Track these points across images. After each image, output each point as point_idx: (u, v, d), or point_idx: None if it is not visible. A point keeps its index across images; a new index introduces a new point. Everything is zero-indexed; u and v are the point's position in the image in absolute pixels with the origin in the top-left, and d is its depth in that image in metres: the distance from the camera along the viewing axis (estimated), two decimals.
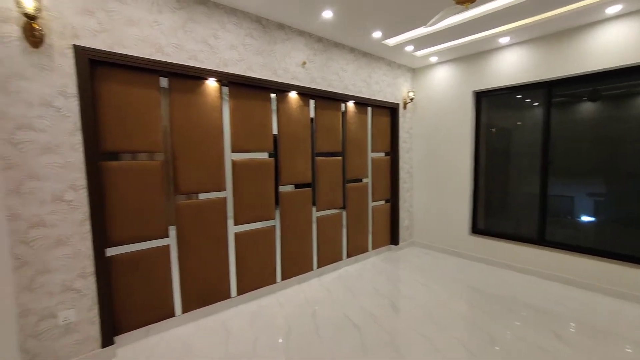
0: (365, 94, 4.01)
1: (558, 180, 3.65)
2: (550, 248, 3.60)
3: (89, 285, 2.18)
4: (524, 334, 2.50)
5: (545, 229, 3.69)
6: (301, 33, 3.26)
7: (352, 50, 3.81)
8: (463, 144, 4.25)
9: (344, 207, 4.06)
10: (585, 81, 3.40)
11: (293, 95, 3.33)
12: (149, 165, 2.46)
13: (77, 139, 2.09)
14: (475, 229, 4.29)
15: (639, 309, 2.89)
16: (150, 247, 2.50)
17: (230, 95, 2.89)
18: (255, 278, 3.15)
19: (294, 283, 3.46)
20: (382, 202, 4.57)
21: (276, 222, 3.32)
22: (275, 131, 3.24)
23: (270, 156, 3.27)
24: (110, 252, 2.33)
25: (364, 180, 4.29)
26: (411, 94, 4.56)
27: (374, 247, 4.44)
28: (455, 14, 2.22)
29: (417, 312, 2.85)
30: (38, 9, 1.88)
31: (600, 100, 3.47)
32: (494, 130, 4.22)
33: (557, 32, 3.38)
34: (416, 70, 4.72)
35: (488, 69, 3.96)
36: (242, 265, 3.05)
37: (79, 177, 2.11)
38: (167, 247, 2.59)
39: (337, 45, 3.63)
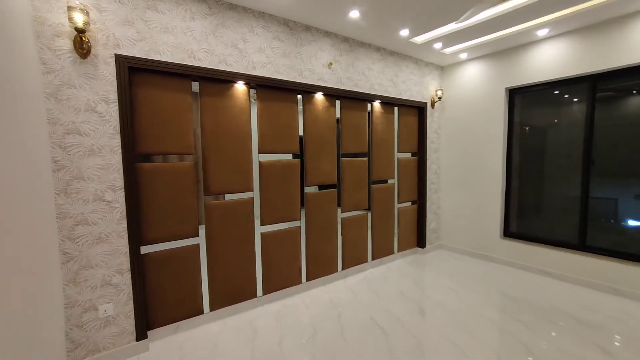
0: (392, 93, 3.94)
1: (601, 181, 3.40)
2: (591, 254, 3.37)
3: (125, 281, 2.30)
4: (563, 345, 2.35)
5: (587, 234, 3.45)
6: (327, 34, 3.26)
7: (378, 49, 3.76)
8: (495, 144, 4.07)
9: (369, 209, 4.02)
10: (634, 74, 3.14)
11: (319, 96, 3.34)
12: (180, 166, 2.56)
13: (116, 142, 2.21)
14: (508, 232, 4.09)
15: None
16: (181, 245, 2.60)
17: (258, 97, 2.94)
18: (281, 278, 3.19)
19: (319, 284, 3.47)
20: (409, 203, 4.48)
21: (301, 223, 3.34)
22: (301, 132, 3.27)
23: (295, 157, 3.29)
24: (145, 250, 2.44)
25: (390, 181, 4.22)
26: (439, 93, 4.42)
27: (399, 250, 4.36)
28: (489, 7, 2.12)
29: (445, 318, 2.76)
30: (87, 23, 2.01)
31: None
32: (528, 129, 4.00)
33: (600, 22, 3.15)
34: (445, 68, 4.58)
35: (523, 65, 3.76)
36: (268, 265, 3.10)
37: (117, 178, 2.23)
38: (197, 246, 2.68)
39: (363, 45, 3.60)
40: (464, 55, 4.14)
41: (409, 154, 4.46)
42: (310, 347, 2.39)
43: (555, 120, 3.76)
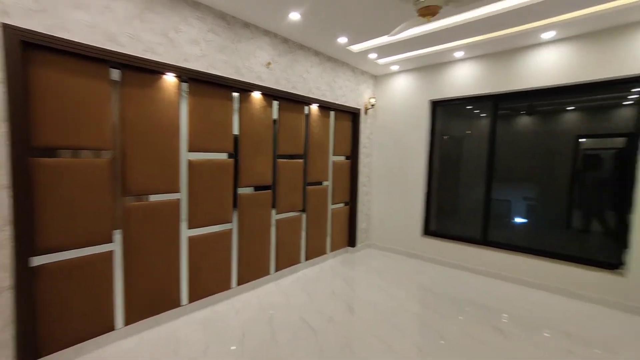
0: (329, 97, 4.05)
1: (500, 186, 4.00)
2: (491, 248, 3.93)
3: (3, 302, 1.90)
4: (468, 329, 2.69)
5: (488, 230, 4.02)
6: (267, 33, 3.20)
7: (317, 53, 3.82)
8: (418, 151, 4.48)
9: (304, 210, 4.06)
10: (525, 97, 3.76)
11: (256, 95, 3.25)
12: (93, 163, 2.24)
13: (1, 131, 1.83)
14: (428, 231, 4.54)
15: (561, 299, 3.27)
16: (90, 253, 2.27)
17: (190, 92, 2.74)
18: (210, 284, 3.02)
19: (251, 288, 3.38)
20: (342, 205, 4.65)
21: (233, 225, 3.21)
22: (236, 131, 3.14)
23: (230, 157, 3.15)
24: (38, 260, 2.06)
25: (325, 183, 4.32)
26: (372, 100, 4.69)
27: (332, 250, 4.50)
28: (417, 25, 2.33)
29: (373, 314, 2.94)
30: None
31: (535, 114, 3.88)
32: (447, 137, 4.50)
33: (503, 50, 3.70)
34: (378, 78, 4.87)
35: (444, 80, 4.21)
36: (195, 271, 2.90)
37: (1, 174, 1.85)
38: (110, 253, 2.37)
39: (302, 48, 3.62)
40: (395, 67, 4.46)
41: (343, 158, 4.64)
42: (239, 353, 2.30)
43: (469, 132, 4.30)
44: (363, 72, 4.61)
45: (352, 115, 4.61)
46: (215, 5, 2.71)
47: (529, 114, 4.06)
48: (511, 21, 2.99)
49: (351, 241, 4.79)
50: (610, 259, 3.31)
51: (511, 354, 2.37)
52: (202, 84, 2.79)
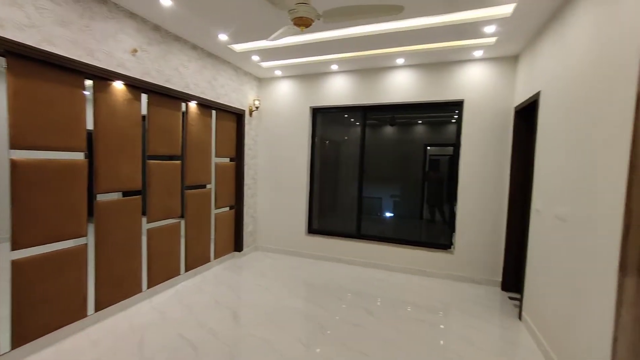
0: (209, 95, 3.83)
1: (371, 185, 4.61)
2: (364, 240, 4.47)
3: None
4: (345, 316, 2.99)
5: (361, 225, 4.56)
6: (132, 16, 2.78)
7: (195, 47, 3.56)
8: (301, 153, 4.71)
9: (183, 216, 3.70)
10: (388, 109, 4.45)
11: (119, 85, 2.79)
12: None
13: None
14: (311, 229, 4.82)
15: (419, 278, 4.00)
16: None
17: (12, 71, 2.12)
18: (53, 317, 2.40)
19: (116, 311, 2.86)
20: (227, 208, 4.46)
21: (89, 239, 2.65)
22: (91, 126, 2.61)
23: (86, 157, 2.60)
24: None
25: (207, 186, 4.06)
26: (257, 102, 4.68)
27: (216, 256, 4.26)
28: (293, 34, 2.44)
29: (258, 317, 2.92)
30: None
31: (395, 125, 4.65)
32: (327, 142, 4.89)
33: (370, 68, 4.27)
34: (262, 80, 4.90)
35: (323, 89, 4.56)
36: (28, 305, 2.24)
37: None
38: None
39: (178, 40, 3.30)
40: (278, 72, 4.57)
41: (227, 159, 4.46)
42: None
43: (345, 137, 4.79)
44: (246, 73, 4.55)
45: (236, 116, 4.49)
46: None
47: (391, 124, 4.85)
48: (372, 44, 3.48)
49: (237, 246, 4.64)
50: (444, 241, 4.25)
51: (378, 332, 2.75)
52: (33, 63, 2.20)
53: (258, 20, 2.91)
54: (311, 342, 2.55)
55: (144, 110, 3.07)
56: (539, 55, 2.98)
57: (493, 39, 3.27)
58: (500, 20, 2.85)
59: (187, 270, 3.73)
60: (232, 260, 4.50)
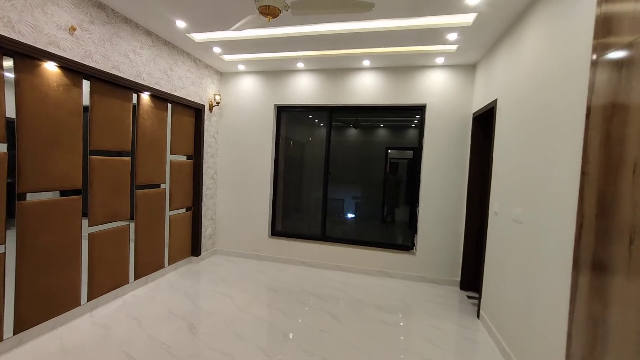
0: (165, 87, 3.52)
1: (336, 187, 4.56)
2: (328, 242, 4.40)
3: None
4: (309, 321, 2.88)
5: (326, 227, 4.49)
6: None
7: (149, 33, 3.25)
8: (265, 153, 4.53)
9: (132, 218, 3.35)
10: (353, 111, 4.44)
11: (51, 67, 2.42)
12: None
13: None
14: (274, 232, 4.65)
15: (381, 280, 4.01)
16: None
17: None
18: None
19: (45, 330, 2.47)
20: (183, 210, 4.14)
21: (9, 248, 2.26)
22: (12, 114, 2.23)
23: (11, 149, 2.21)
24: None
25: (161, 186, 3.73)
26: (218, 98, 4.42)
27: (171, 262, 3.93)
28: (258, 25, 2.30)
29: (217, 328, 2.71)
30: None
31: (359, 127, 4.66)
32: (291, 142, 4.76)
33: (336, 68, 4.22)
34: (224, 75, 4.64)
35: (288, 87, 4.42)
36: None
37: None
38: None
39: (127, 22, 2.98)
40: (242, 67, 4.35)
41: (184, 157, 4.15)
42: None
43: (310, 138, 4.69)
44: (207, 66, 4.28)
45: (195, 111, 4.19)
46: None
47: (354, 127, 4.86)
48: (338, 44, 3.43)
49: (195, 250, 4.33)
50: (406, 242, 4.32)
51: (342, 336, 2.68)
52: None
53: (221, 8, 2.71)
54: (274, 351, 2.41)
55: (85, 99, 2.71)
56: (495, 65, 3.13)
57: (454, 47, 3.38)
58: (461, 29, 2.94)
59: (137, 277, 3.38)
60: (189, 266, 4.18)
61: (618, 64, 1.38)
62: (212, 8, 2.72)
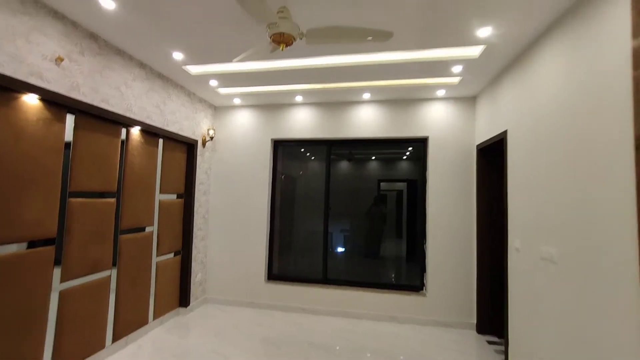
0: (157, 122, 3.28)
1: (334, 222, 4.29)
2: (331, 285, 4.03)
3: None
4: None
5: (328, 268, 4.14)
6: (57, 15, 2.23)
7: (143, 65, 3.06)
8: (261, 189, 4.26)
9: (115, 265, 2.93)
10: (353, 145, 4.31)
11: (31, 100, 2.15)
12: None
13: None
14: (271, 275, 4.25)
15: (391, 326, 3.63)
16: None
17: None
18: None
19: None
20: (171, 255, 3.73)
21: None
22: None
23: None
24: None
25: (148, 229, 3.35)
26: (212, 132, 4.20)
27: (156, 316, 3.44)
28: (266, 55, 2.15)
29: None
30: None
31: (353, 160, 4.53)
32: (283, 176, 4.53)
33: (336, 101, 4.13)
34: (218, 108, 4.47)
35: (286, 121, 4.27)
36: None
37: None
38: None
39: (120, 54, 2.79)
40: (237, 100, 4.20)
41: (174, 196, 3.81)
42: None
43: (301, 172, 4.50)
44: (201, 100, 4.10)
45: (187, 147, 3.93)
46: None
47: (348, 160, 4.72)
48: (339, 77, 3.35)
49: (184, 299, 3.85)
50: (414, 281, 4.02)
51: None
52: None
53: (223, 38, 2.57)
54: None
55: (68, 135, 2.42)
56: (501, 96, 3.10)
57: (457, 79, 3.36)
58: (467, 61, 2.92)
59: (115, 339, 2.88)
60: (176, 319, 3.68)
61: None
62: (213, 39, 2.58)
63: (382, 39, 1.92)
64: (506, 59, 2.84)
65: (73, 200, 2.50)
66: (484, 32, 2.40)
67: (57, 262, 2.37)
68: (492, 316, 3.47)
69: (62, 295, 2.44)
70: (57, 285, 2.41)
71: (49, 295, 2.30)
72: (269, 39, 1.85)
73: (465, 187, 3.78)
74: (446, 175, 3.84)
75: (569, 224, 2.01)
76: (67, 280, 2.46)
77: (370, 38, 1.88)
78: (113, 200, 2.84)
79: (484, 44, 2.58)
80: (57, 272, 2.38)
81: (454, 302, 3.72)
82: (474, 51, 2.80)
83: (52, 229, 2.29)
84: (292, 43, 1.87)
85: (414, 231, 4.29)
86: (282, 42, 1.82)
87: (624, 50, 1.59)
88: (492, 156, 3.51)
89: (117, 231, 2.93)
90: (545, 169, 2.31)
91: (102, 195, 2.77)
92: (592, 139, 1.80)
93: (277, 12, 1.78)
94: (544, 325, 2.27)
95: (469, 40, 2.55)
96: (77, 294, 2.54)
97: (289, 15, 1.80)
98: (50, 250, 2.30)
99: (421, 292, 3.86)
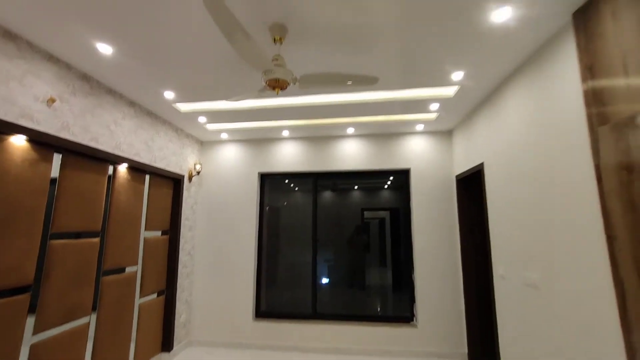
0: (145, 159, 3.26)
1: (320, 252, 4.28)
2: (320, 320, 3.94)
3: None
4: None
5: (317, 302, 4.07)
6: (51, 58, 2.27)
7: (133, 104, 3.10)
8: (248, 223, 4.23)
9: (94, 310, 2.76)
10: (338, 177, 4.42)
11: (18, 141, 2.12)
12: None
13: None
14: (260, 313, 4.11)
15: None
16: None
17: None
18: None
19: None
20: (154, 295, 3.55)
21: None
22: None
23: None
24: None
25: (130, 269, 3.20)
26: (198, 167, 4.20)
27: None
28: (257, 97, 2.26)
29: None
30: None
31: (337, 191, 4.62)
32: (276, 209, 4.53)
33: (321, 136, 4.28)
34: (205, 143, 4.50)
35: (273, 155, 4.36)
36: None
37: None
38: None
39: (111, 93, 2.83)
40: (224, 135, 4.26)
41: (159, 233, 3.71)
42: None
43: (285, 202, 4.52)
44: (188, 135, 4.13)
45: (173, 182, 3.90)
46: None
47: (332, 190, 4.82)
48: (325, 113, 3.51)
49: (166, 343, 3.63)
50: (404, 312, 4.01)
51: None
52: None
53: (214, 78, 2.68)
54: None
55: (53, 173, 2.37)
56: (476, 131, 3.34)
57: (434, 115, 3.62)
58: (443, 100, 3.17)
59: None
60: None
61: (622, 132, 1.46)
62: (204, 79, 2.68)
63: (369, 84, 2.08)
64: (478, 98, 3.11)
65: (54, 242, 2.39)
66: (457, 75, 2.64)
67: (32, 308, 2.22)
68: (483, 344, 3.49)
69: (33, 349, 2.25)
70: (29, 338, 2.23)
71: (19, 350, 2.11)
72: (265, 84, 1.96)
73: (448, 216, 3.93)
74: (430, 205, 3.99)
75: (546, 251, 2.15)
76: (41, 331, 2.28)
77: (351, 83, 2.03)
78: (97, 240, 2.74)
79: (458, 85, 2.84)
80: (30, 320, 2.22)
81: (446, 332, 3.72)
82: (450, 91, 3.06)
83: (29, 275, 2.17)
84: (286, 88, 1.99)
85: (398, 259, 4.35)
86: (277, 87, 1.94)
87: (577, 92, 1.82)
88: (471, 186, 3.71)
89: (100, 273, 2.79)
90: (520, 200, 2.48)
91: (84, 235, 2.67)
92: (560, 170, 1.99)
93: (272, 60, 1.92)
94: (533, 349, 2.32)
95: (444, 82, 2.80)
96: (50, 346, 2.35)
97: (283, 63, 1.93)
98: (25, 298, 2.15)
99: (412, 322, 3.84)
